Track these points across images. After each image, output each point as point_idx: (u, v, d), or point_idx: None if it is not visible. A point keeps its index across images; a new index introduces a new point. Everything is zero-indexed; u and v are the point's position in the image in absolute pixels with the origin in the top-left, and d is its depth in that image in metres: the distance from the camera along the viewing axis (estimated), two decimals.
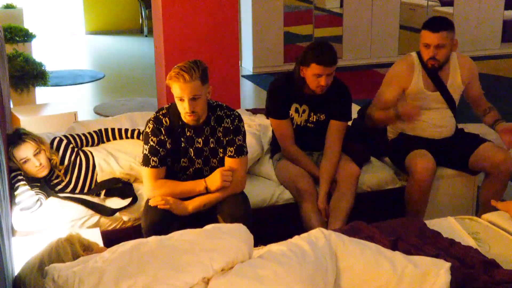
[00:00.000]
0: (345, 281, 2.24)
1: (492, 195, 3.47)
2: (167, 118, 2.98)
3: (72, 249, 2.30)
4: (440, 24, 3.46)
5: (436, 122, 3.65)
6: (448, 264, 2.23)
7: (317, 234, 2.37)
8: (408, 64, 3.60)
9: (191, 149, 3.01)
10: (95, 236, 2.77)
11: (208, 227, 2.31)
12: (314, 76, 3.31)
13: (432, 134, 3.66)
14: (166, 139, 2.96)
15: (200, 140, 3.01)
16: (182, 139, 3.00)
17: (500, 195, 3.51)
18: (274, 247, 2.33)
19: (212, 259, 2.13)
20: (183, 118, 2.95)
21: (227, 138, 3.01)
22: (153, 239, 2.24)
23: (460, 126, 3.83)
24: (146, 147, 2.96)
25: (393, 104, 3.62)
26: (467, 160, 3.59)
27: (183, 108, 2.87)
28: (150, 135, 2.96)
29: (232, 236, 2.25)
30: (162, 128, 2.96)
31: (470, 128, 3.90)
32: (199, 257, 2.13)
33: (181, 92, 2.83)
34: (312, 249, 2.26)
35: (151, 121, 2.98)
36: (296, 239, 2.37)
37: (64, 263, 2.20)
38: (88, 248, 2.36)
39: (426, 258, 2.30)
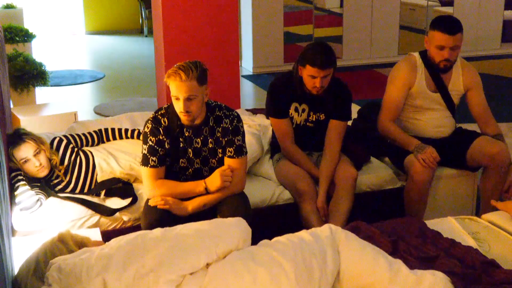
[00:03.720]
0: (342, 273, 2.28)
1: (492, 189, 3.49)
2: (165, 118, 2.98)
3: (67, 247, 2.31)
4: (455, 26, 3.46)
5: (435, 122, 3.66)
6: (446, 277, 2.23)
7: (324, 228, 2.43)
8: (411, 63, 3.61)
9: (189, 149, 3.01)
10: (95, 236, 2.77)
11: (211, 220, 2.38)
12: (309, 77, 3.31)
13: (431, 134, 3.67)
14: (165, 139, 2.96)
15: (198, 140, 3.01)
16: (180, 139, 3.00)
17: (500, 189, 3.50)
18: (274, 239, 2.40)
19: (216, 244, 2.22)
20: (181, 118, 2.95)
21: (226, 139, 3.01)
22: (157, 229, 2.31)
23: (458, 125, 3.84)
24: (145, 147, 2.97)
25: (402, 104, 3.62)
26: (464, 156, 3.60)
27: (178, 107, 2.88)
28: (148, 135, 2.96)
29: (234, 225, 2.34)
30: (160, 128, 2.96)
31: (469, 128, 3.90)
32: (205, 242, 2.21)
33: (176, 91, 2.84)
34: (313, 238, 2.31)
35: (149, 121, 2.98)
36: (301, 232, 2.43)
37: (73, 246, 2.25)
38: (82, 245, 2.37)
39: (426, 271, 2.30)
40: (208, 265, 2.20)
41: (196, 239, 2.21)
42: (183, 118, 2.92)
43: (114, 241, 2.23)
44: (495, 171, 3.49)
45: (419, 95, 3.61)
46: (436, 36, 3.46)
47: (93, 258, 2.12)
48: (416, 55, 3.64)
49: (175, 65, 2.86)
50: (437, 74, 3.58)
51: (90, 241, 2.44)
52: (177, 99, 2.86)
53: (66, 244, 2.33)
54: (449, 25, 3.45)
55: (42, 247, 2.32)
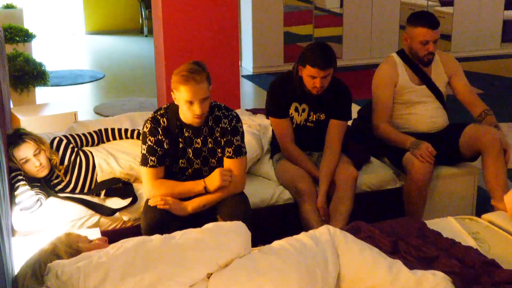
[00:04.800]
0: (342, 277, 2.27)
1: (494, 176, 3.43)
2: (164, 119, 2.97)
3: (58, 259, 2.28)
4: (436, 20, 3.60)
5: (428, 113, 3.73)
6: (447, 277, 2.23)
7: (323, 230, 2.41)
8: (391, 63, 3.73)
9: (189, 150, 3.01)
10: (95, 236, 2.76)
11: (209, 225, 2.34)
12: (309, 77, 3.31)
13: (426, 127, 3.71)
14: (164, 139, 2.96)
15: (198, 140, 3.01)
16: (180, 139, 2.99)
17: (503, 173, 3.44)
18: (275, 243, 2.37)
19: (217, 255, 2.18)
20: (188, 121, 2.93)
21: (225, 139, 3.01)
22: (157, 237, 2.27)
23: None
24: (144, 147, 2.96)
25: (391, 104, 3.69)
26: (457, 146, 3.64)
27: (192, 111, 2.84)
28: (147, 135, 2.95)
29: (234, 233, 2.29)
30: (159, 128, 2.95)
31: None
32: (205, 254, 2.17)
33: (192, 95, 2.80)
34: (314, 243, 2.30)
35: (148, 121, 2.97)
36: (301, 235, 2.41)
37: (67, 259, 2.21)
38: (75, 254, 2.33)
39: (427, 271, 2.30)
40: (209, 274, 2.17)
41: (196, 251, 2.17)
42: (196, 121, 2.90)
43: (112, 249, 2.19)
44: (489, 155, 3.46)
45: (405, 90, 3.69)
46: (419, 32, 3.58)
47: (90, 267, 2.09)
48: (394, 55, 3.77)
49: (183, 69, 2.81)
50: (418, 67, 3.68)
51: (86, 247, 2.40)
52: (191, 103, 2.83)
53: (59, 257, 2.30)
54: (431, 20, 3.58)
55: (37, 256, 2.29)
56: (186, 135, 2.99)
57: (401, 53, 3.74)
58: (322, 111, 3.50)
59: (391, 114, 3.71)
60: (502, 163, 3.47)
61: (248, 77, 7.90)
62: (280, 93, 3.50)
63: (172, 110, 2.96)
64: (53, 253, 2.31)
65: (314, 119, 3.52)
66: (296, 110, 3.51)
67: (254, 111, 4.31)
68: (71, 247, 2.36)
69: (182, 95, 2.82)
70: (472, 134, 3.58)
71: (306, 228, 3.15)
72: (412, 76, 3.69)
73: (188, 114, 2.88)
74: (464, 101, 3.77)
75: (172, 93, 2.90)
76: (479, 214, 3.36)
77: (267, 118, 3.70)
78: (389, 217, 2.87)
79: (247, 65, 8.21)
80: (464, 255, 2.47)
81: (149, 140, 2.95)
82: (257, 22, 7.92)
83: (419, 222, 2.79)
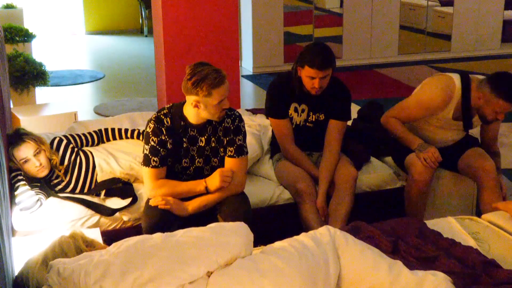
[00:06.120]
0: (342, 278, 2.27)
1: (490, 204, 3.36)
2: (168, 119, 2.97)
3: (75, 244, 2.33)
4: None
5: (448, 139, 3.64)
6: (447, 277, 2.23)
7: (323, 231, 2.41)
8: (448, 93, 3.43)
9: (194, 147, 3.01)
10: (95, 236, 2.77)
11: (212, 225, 2.36)
12: (308, 78, 3.31)
13: (439, 145, 3.60)
14: (167, 139, 2.96)
15: (203, 139, 3.00)
16: (184, 139, 2.99)
17: (498, 199, 3.39)
18: (277, 243, 2.37)
19: (217, 254, 2.18)
20: (214, 118, 2.93)
21: (227, 138, 3.01)
22: (158, 235, 2.28)
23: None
24: (147, 147, 2.96)
25: (415, 121, 3.60)
26: (456, 164, 3.60)
27: (218, 110, 2.88)
28: (150, 135, 2.95)
29: (235, 233, 2.29)
30: (163, 128, 2.95)
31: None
32: (205, 252, 2.17)
33: (225, 92, 2.86)
34: (315, 244, 2.29)
35: (152, 121, 2.97)
36: (301, 235, 2.41)
37: (68, 258, 2.23)
38: (90, 245, 2.39)
39: (427, 272, 2.30)
40: (209, 272, 2.18)
41: (196, 248, 2.17)
42: (219, 117, 2.92)
43: (113, 247, 2.21)
44: (483, 186, 3.44)
45: (440, 121, 3.55)
46: (500, 104, 3.28)
47: (91, 264, 2.11)
48: (457, 82, 3.43)
49: (208, 74, 2.82)
50: (469, 108, 3.46)
51: (100, 245, 2.44)
52: (221, 102, 2.87)
53: (75, 240, 2.34)
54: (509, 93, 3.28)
55: (52, 243, 2.34)
56: (191, 134, 2.99)
57: (465, 84, 3.40)
58: (322, 111, 3.50)
59: (407, 123, 3.63)
60: (498, 194, 3.42)
61: (248, 77, 7.90)
62: (279, 93, 3.50)
63: (175, 110, 2.96)
64: (71, 235, 2.35)
65: (313, 120, 3.52)
66: (296, 110, 3.51)
67: (254, 111, 4.31)
68: (88, 237, 2.41)
69: (214, 98, 2.83)
70: (469, 164, 3.51)
71: (306, 228, 3.15)
72: (457, 112, 3.48)
73: (216, 112, 2.89)
74: (485, 140, 3.67)
75: (197, 104, 2.86)
76: (479, 214, 3.36)
77: (267, 118, 3.70)
78: (389, 217, 2.87)
79: (247, 65, 8.21)
80: (464, 255, 2.47)
81: (152, 140, 2.94)
82: (257, 22, 7.92)
83: (419, 222, 2.79)
